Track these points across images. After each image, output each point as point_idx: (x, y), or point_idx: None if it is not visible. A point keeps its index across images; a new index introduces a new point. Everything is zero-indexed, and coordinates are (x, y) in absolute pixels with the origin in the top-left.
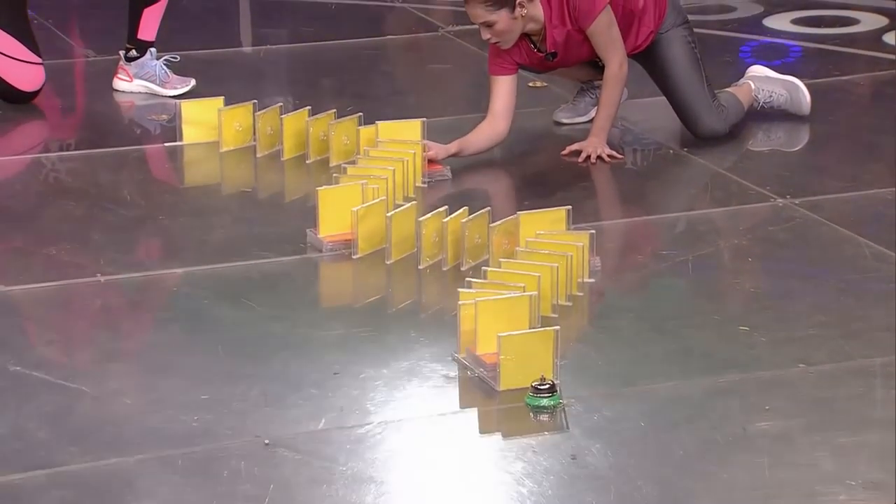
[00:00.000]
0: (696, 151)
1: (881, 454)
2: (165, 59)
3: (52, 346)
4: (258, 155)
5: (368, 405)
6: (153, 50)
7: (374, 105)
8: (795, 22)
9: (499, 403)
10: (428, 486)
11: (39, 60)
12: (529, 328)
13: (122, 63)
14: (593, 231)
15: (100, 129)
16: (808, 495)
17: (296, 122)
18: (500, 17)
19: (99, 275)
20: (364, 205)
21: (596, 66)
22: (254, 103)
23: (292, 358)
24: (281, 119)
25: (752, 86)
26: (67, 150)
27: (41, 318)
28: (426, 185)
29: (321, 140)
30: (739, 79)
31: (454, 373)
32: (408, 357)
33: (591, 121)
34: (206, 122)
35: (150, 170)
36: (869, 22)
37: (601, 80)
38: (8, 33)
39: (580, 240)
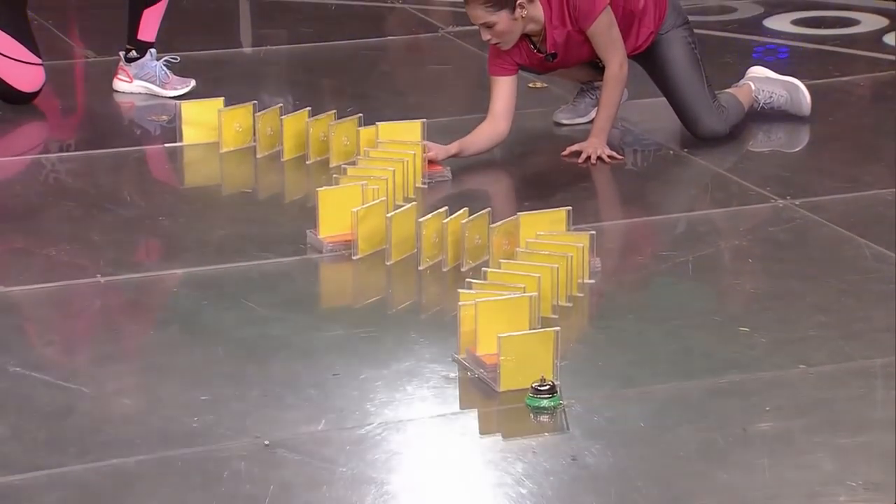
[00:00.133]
0: (696, 152)
1: (882, 455)
2: (165, 60)
3: (52, 346)
4: (258, 156)
5: (368, 406)
6: (153, 51)
7: (374, 106)
8: (796, 23)
9: (499, 404)
10: (428, 487)
11: (39, 61)
12: (529, 329)
13: (122, 64)
14: (593, 232)
15: (100, 129)
16: (809, 496)
17: (296, 123)
18: (501, 18)
19: (99, 275)
20: (364, 205)
21: (596, 66)
22: (254, 104)
23: (292, 359)
24: (281, 120)
25: (753, 86)
26: (67, 150)
27: (41, 319)
28: (426, 186)
29: (321, 141)
30: (739, 79)
31: (454, 374)
32: (408, 358)
33: (591, 122)
34: (207, 122)
35: (150, 170)
36: (869, 23)
37: (601, 80)
38: (8, 34)
39: (580, 240)
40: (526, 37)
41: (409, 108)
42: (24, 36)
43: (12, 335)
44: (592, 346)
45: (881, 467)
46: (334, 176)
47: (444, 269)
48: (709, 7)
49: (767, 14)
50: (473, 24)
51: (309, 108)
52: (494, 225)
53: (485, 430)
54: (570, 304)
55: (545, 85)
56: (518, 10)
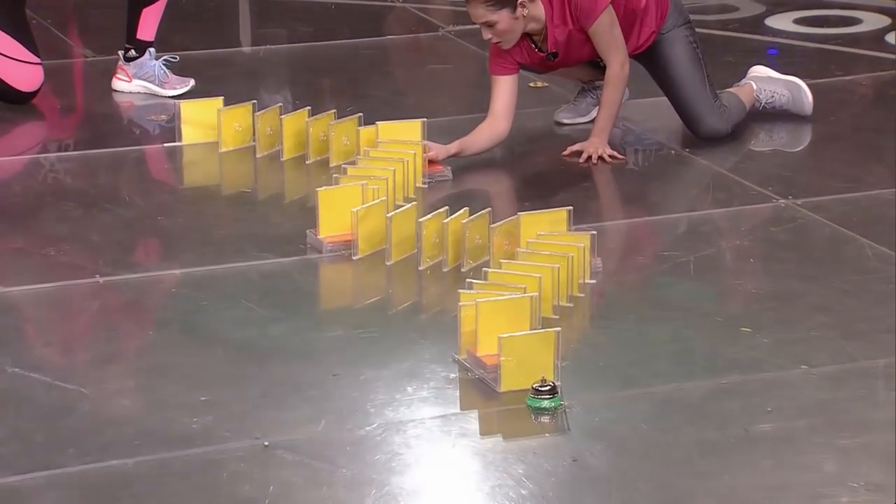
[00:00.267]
0: (697, 152)
1: (884, 456)
2: (164, 60)
3: (51, 347)
4: (258, 155)
5: (368, 407)
6: (152, 50)
7: (374, 105)
8: (798, 22)
9: (499, 405)
10: (428, 489)
11: (38, 60)
12: (530, 329)
13: (120, 63)
14: (594, 232)
15: (99, 129)
16: (811, 497)
17: (295, 123)
18: (502, 17)
19: (97, 276)
20: (364, 205)
21: (597, 66)
22: (253, 103)
23: (292, 359)
24: (280, 119)
25: (754, 86)
26: (66, 150)
27: (39, 320)
28: (426, 186)
29: (321, 140)
30: (741, 79)
31: (454, 374)
32: (408, 358)
33: (592, 121)
34: (206, 122)
35: (149, 170)
36: (871, 22)
37: (602, 80)
38: (6, 33)
39: (581, 240)
40: (527, 36)
41: (409, 108)
42: (23, 35)
43: (11, 335)
44: (593, 346)
45: (883, 468)
46: (334, 176)
47: (445, 270)
48: (710, 6)
49: (769, 13)
50: (474, 23)
51: (309, 108)
52: (495, 225)
53: (485, 431)
54: (570, 305)
55: (546, 84)
56: (519, 9)
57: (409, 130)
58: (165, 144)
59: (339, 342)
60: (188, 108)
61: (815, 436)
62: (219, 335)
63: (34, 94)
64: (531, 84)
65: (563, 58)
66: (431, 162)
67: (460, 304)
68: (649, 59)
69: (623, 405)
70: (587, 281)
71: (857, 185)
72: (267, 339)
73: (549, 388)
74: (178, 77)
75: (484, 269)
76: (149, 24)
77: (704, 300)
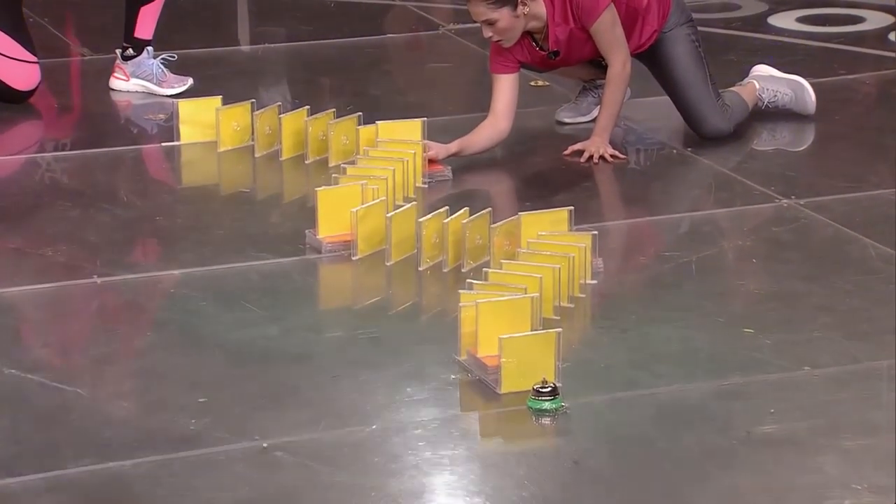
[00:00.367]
0: (699, 151)
1: (887, 458)
2: (162, 58)
3: (48, 348)
4: (256, 155)
5: (368, 408)
6: (150, 49)
7: (373, 104)
8: (800, 20)
9: (500, 406)
10: (428, 491)
11: (35, 59)
12: (531, 330)
13: (118, 62)
14: (596, 232)
15: (96, 128)
16: (814, 500)
17: (294, 122)
18: (502, 15)
19: (95, 276)
20: (364, 205)
21: (599, 64)
22: (252, 102)
23: (291, 360)
24: (279, 118)
25: (757, 85)
26: (63, 149)
27: (37, 320)
28: (426, 186)
29: (320, 140)
30: (744, 78)
31: (455, 375)
32: (408, 360)
33: (593, 120)
34: (204, 121)
35: (147, 170)
36: (875, 20)
37: (604, 79)
38: (3, 31)
39: (582, 241)
40: (528, 34)
41: (409, 107)
42: (20, 33)
43: (8, 336)
44: (595, 347)
45: (887, 470)
46: (333, 175)
47: (445, 270)
48: (712, 4)
49: (772, 11)
50: (474, 22)
51: (308, 107)
52: (495, 225)
53: (486, 433)
54: (571, 306)
55: (547, 83)
56: (520, 7)
57: (408, 130)
58: (163, 144)
59: (339, 343)
60: (186, 108)
61: (818, 437)
62: (217, 336)
63: (31, 92)
64: (532, 83)
65: (565, 56)
66: (431, 161)
67: (460, 304)
68: (651, 58)
69: (625, 407)
70: (588, 281)
71: (861, 184)
72: (266, 340)
73: (549, 389)
74: (176, 76)
75: (484, 269)
76: (147, 23)
77: (706, 301)
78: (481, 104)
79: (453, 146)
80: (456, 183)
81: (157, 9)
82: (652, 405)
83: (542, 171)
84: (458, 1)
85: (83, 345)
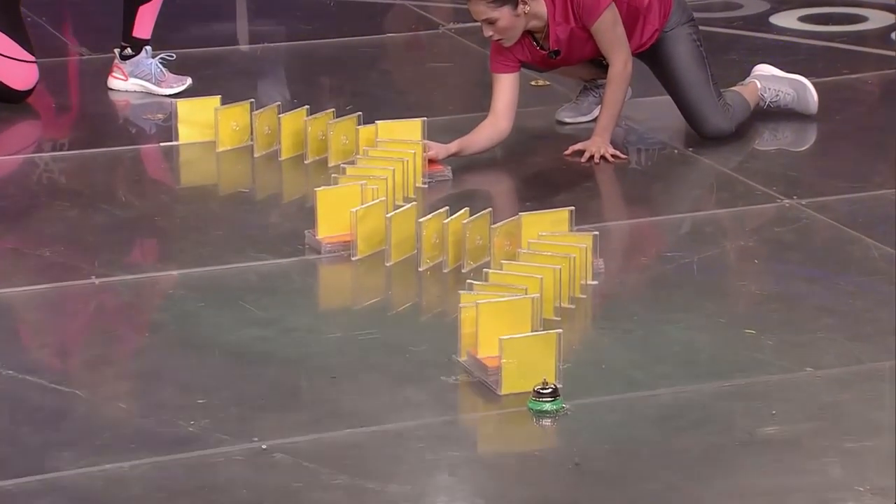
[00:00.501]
0: (701, 151)
1: (890, 459)
2: (161, 58)
3: (46, 349)
4: (255, 155)
5: (367, 409)
6: (149, 48)
7: (373, 104)
8: (802, 19)
9: (500, 408)
10: (428, 493)
11: (33, 59)
12: (532, 331)
13: (117, 61)
14: (596, 232)
15: (94, 128)
16: (816, 502)
17: (294, 122)
18: (503, 14)
19: (93, 277)
20: (363, 205)
21: (600, 64)
22: (251, 102)
23: (290, 361)
24: (279, 118)
25: (759, 84)
26: (61, 149)
27: (34, 321)
28: (426, 186)
29: (320, 140)
30: (745, 77)
31: (455, 377)
32: (408, 361)
33: (594, 120)
34: (203, 121)
35: (145, 170)
36: (877, 19)
37: (605, 78)
38: (1, 31)
39: (583, 241)
40: (529, 33)
41: (408, 107)
42: (18, 33)
43: (5, 337)
44: (595, 348)
45: (890, 472)
46: (333, 175)
47: (445, 271)
48: (714, 3)
49: (774, 10)
50: (475, 21)
51: (307, 107)
52: (496, 225)
53: (486, 435)
54: (572, 306)
55: (548, 83)
56: (521, 6)
57: (408, 129)
58: (162, 144)
59: (338, 344)
60: (185, 107)
61: (820, 439)
62: (216, 337)
63: (29, 92)
64: (533, 82)
65: (566, 56)
66: (431, 161)
67: (461, 305)
68: (652, 57)
69: (626, 408)
70: (589, 282)
71: (863, 184)
72: (265, 341)
73: (550, 390)
74: (174, 75)
75: (485, 269)
76: (145, 22)
77: (708, 302)
78: (481, 104)
79: (453, 146)
80: (456, 183)
81: (156, 8)
82: (653, 406)
83: (542, 171)
84: (459, 0)
85: (81, 346)
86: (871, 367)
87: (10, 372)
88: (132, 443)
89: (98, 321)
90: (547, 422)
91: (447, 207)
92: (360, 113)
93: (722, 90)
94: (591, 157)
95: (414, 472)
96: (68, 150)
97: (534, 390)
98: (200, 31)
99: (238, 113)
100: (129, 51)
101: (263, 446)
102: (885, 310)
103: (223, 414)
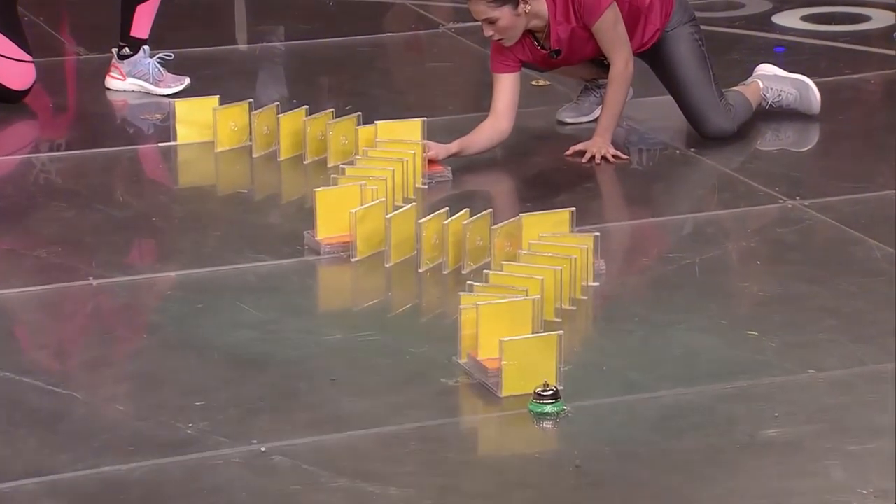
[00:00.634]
0: (703, 152)
1: (892, 462)
2: (159, 57)
3: (43, 350)
4: (254, 155)
5: (367, 412)
6: (146, 48)
7: (372, 104)
8: (805, 19)
9: (501, 410)
10: (428, 495)
11: (30, 58)
12: (532, 333)
13: (114, 61)
14: (598, 233)
15: (92, 128)
16: None
17: (293, 122)
18: (503, 14)
19: (91, 278)
20: (363, 206)
21: (601, 64)
22: (250, 102)
23: (289, 363)
24: (277, 118)
25: (761, 84)
26: (59, 150)
27: (32, 323)
28: (426, 186)
29: (319, 140)
30: (747, 77)
31: (455, 379)
32: (408, 362)
33: (595, 120)
34: (201, 121)
35: (143, 170)
36: (881, 19)
37: (606, 78)
38: None
39: (584, 242)
40: (529, 33)
41: (408, 107)
42: (15, 33)
43: (2, 339)
44: (596, 350)
45: (892, 475)
46: (332, 176)
47: (445, 272)
48: (716, 3)
49: (776, 10)
50: (475, 20)
51: (306, 107)
52: (496, 226)
53: (486, 437)
54: (573, 308)
55: (548, 82)
56: (521, 6)
57: (408, 130)
58: (160, 144)
59: (338, 346)
60: (183, 107)
61: (822, 441)
62: (214, 339)
63: (26, 92)
64: (533, 82)
65: (566, 55)
66: (431, 162)
67: (461, 306)
68: (654, 57)
69: (627, 410)
70: (590, 283)
71: (866, 185)
72: (263, 343)
73: (551, 392)
74: (172, 75)
75: (485, 271)
76: (143, 22)
77: (710, 303)
78: (482, 104)
79: (453, 146)
80: (456, 183)
81: (154, 7)
82: (654, 408)
83: (543, 172)
84: None
85: (78, 347)
86: (874, 368)
87: (8, 374)
88: (130, 445)
89: (96, 322)
90: (548, 424)
91: (447, 208)
92: (360, 113)
93: (724, 90)
94: (592, 157)
95: (414, 475)
96: (66, 150)
97: (534, 392)
98: (199, 31)
99: (237, 113)
100: (126, 50)
101: (262, 448)
102: (888, 311)
103: (222, 416)
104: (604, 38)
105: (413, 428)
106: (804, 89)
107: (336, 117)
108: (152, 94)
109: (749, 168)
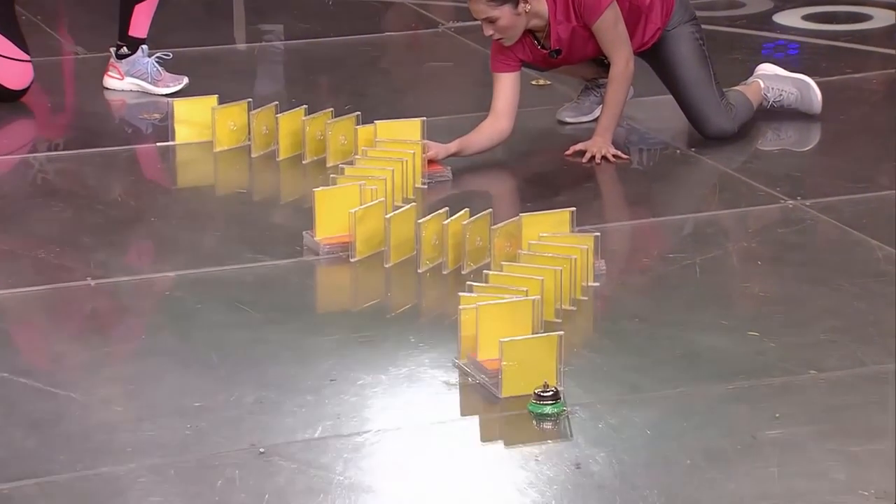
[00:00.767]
0: (703, 151)
1: (894, 463)
2: (157, 57)
3: (41, 351)
4: (253, 155)
5: (366, 412)
6: (145, 47)
7: (372, 104)
8: (806, 18)
9: (501, 411)
10: (427, 496)
11: (28, 58)
12: (532, 333)
13: (112, 60)
14: (598, 233)
15: (90, 128)
16: None
17: (292, 122)
18: (504, 13)
19: (89, 278)
20: (362, 206)
21: (601, 63)
22: (248, 102)
23: (288, 364)
24: (276, 118)
25: (762, 84)
26: (56, 150)
27: (30, 323)
28: (426, 186)
29: (318, 140)
30: (748, 77)
31: (455, 379)
32: (407, 363)
33: (595, 120)
34: (200, 121)
35: (141, 170)
36: (882, 18)
37: (606, 77)
38: None
39: (584, 242)
40: (529, 32)
41: (408, 106)
42: (12, 32)
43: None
44: (597, 350)
45: (893, 475)
46: (331, 176)
47: (445, 272)
48: (717, 2)
49: (777, 9)
50: (475, 20)
51: (305, 106)
52: (496, 226)
53: (486, 438)
54: (573, 308)
55: (549, 82)
56: (521, 5)
57: (408, 129)
58: (158, 144)
59: (337, 346)
60: (182, 107)
61: (824, 442)
62: (213, 339)
63: (24, 92)
64: (533, 82)
65: (567, 55)
66: (431, 162)
67: (460, 307)
68: (654, 56)
69: (627, 411)
70: (590, 284)
71: (868, 185)
72: (262, 343)
73: (551, 393)
74: (171, 75)
75: (485, 271)
76: (141, 21)
77: (710, 303)
78: (482, 103)
79: (453, 146)
80: (456, 183)
81: (152, 7)
82: (655, 409)
83: (543, 172)
84: None
85: (76, 348)
86: (875, 369)
87: (5, 374)
88: (128, 446)
89: (94, 323)
90: (548, 425)
91: (447, 208)
92: (359, 113)
93: (725, 90)
94: (593, 157)
95: (413, 476)
96: (63, 150)
97: (534, 393)
98: (197, 30)
99: (235, 112)
100: (125, 50)
101: (261, 449)
102: (889, 312)
103: (220, 417)
104: (604, 38)
105: (412, 428)
106: (805, 89)
107: (335, 117)
108: (151, 94)
109: (750, 168)
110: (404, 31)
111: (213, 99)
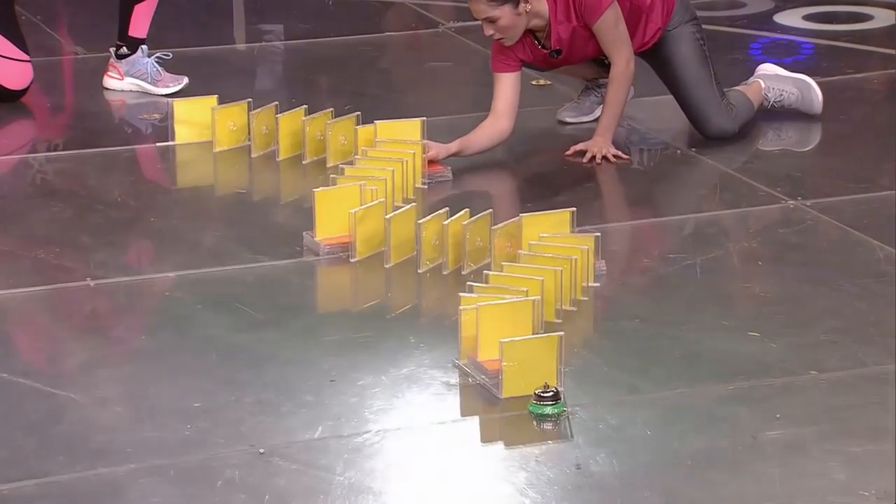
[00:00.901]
0: (704, 152)
1: (895, 464)
2: (157, 57)
3: (40, 352)
4: (253, 155)
5: (366, 413)
6: (144, 47)
7: (372, 104)
8: (807, 18)
9: (501, 411)
10: (427, 497)
11: (27, 58)
12: (532, 334)
13: (112, 61)
14: (598, 233)
15: (89, 128)
16: None
17: (292, 122)
18: (504, 13)
19: (89, 279)
20: (362, 206)
21: (602, 63)
22: (248, 102)
23: (288, 364)
24: (276, 118)
25: (763, 84)
26: (56, 150)
27: (29, 324)
28: (426, 187)
29: (318, 140)
30: (749, 77)
31: (455, 380)
32: (407, 363)
33: (596, 120)
34: (200, 121)
35: (141, 170)
36: (883, 18)
37: (607, 77)
38: None
39: (585, 242)
40: (530, 32)
41: (408, 106)
42: (12, 32)
43: None
44: (597, 351)
45: (894, 476)
46: (331, 176)
47: (445, 272)
48: (718, 2)
49: (778, 9)
50: (475, 20)
51: (305, 106)
52: (496, 226)
53: (486, 438)
54: (574, 309)
55: (549, 82)
56: (522, 5)
57: (408, 129)
58: (158, 144)
59: (337, 347)
60: (181, 107)
61: (825, 443)
62: (213, 339)
63: (23, 92)
64: (534, 82)
65: (567, 55)
66: (431, 162)
67: (461, 307)
68: (655, 56)
69: (628, 411)
70: (591, 284)
71: (869, 185)
72: (262, 344)
73: (551, 393)
74: (171, 75)
75: (485, 271)
76: (141, 21)
77: (711, 304)
78: (482, 103)
79: (453, 146)
80: (456, 184)
81: (152, 7)
82: (656, 409)
83: (543, 172)
84: None
85: (76, 348)
86: (876, 369)
87: (5, 375)
88: (128, 447)
89: (93, 323)
90: (548, 425)
91: (447, 208)
92: (359, 113)
93: (725, 90)
94: (593, 157)
95: (413, 476)
96: (63, 150)
97: (535, 393)
98: (197, 31)
99: (235, 113)
100: (124, 50)
101: (261, 450)
102: (890, 312)
103: (220, 418)
104: (605, 38)
105: (412, 429)
106: (806, 89)
107: (335, 117)
108: (150, 94)
109: (750, 168)
110: (404, 31)
111: (213, 99)
